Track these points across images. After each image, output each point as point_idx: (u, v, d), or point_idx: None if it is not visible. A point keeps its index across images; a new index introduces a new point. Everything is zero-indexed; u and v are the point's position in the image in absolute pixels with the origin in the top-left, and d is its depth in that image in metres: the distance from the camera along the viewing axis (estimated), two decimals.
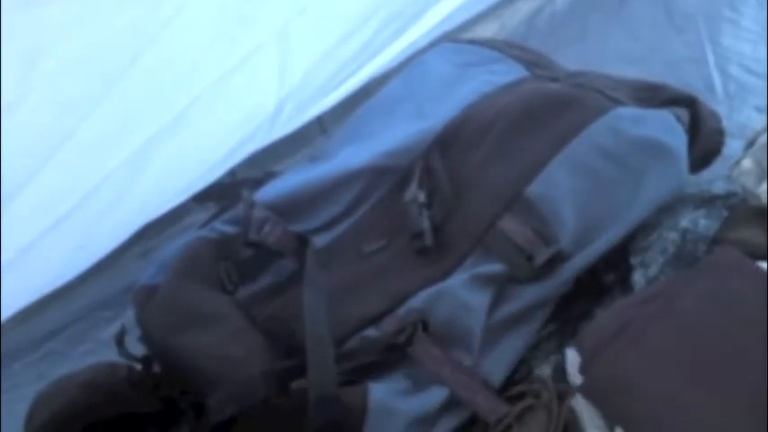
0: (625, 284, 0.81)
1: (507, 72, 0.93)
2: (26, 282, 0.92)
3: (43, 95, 0.74)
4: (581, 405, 0.70)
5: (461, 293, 0.76)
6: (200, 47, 0.84)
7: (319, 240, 0.86)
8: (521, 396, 0.74)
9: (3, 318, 0.90)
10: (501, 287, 0.77)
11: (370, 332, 0.77)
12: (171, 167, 0.93)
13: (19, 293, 0.93)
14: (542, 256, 0.76)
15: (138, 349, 0.81)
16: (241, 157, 1.02)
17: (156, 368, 0.79)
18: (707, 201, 0.86)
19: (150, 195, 0.95)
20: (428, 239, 0.81)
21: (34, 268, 0.89)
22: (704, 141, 0.86)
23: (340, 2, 0.96)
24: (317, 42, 0.98)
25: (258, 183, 0.94)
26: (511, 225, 0.79)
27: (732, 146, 0.89)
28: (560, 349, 0.77)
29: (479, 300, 0.75)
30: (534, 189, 0.80)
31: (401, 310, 0.78)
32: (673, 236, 0.83)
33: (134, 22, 0.76)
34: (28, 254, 0.86)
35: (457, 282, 0.77)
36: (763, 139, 0.84)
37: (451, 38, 1.11)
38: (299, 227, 0.87)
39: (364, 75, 1.11)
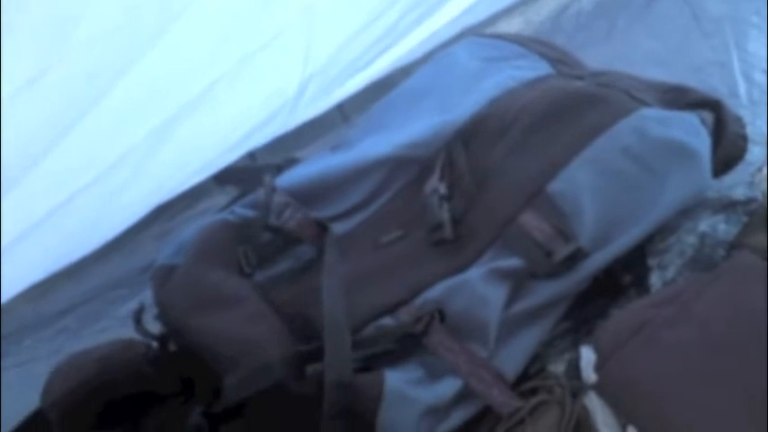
0: (642, 285, 0.82)
1: (532, 68, 0.93)
2: (42, 254, 0.92)
3: (72, 65, 0.74)
4: (594, 403, 0.71)
5: (479, 286, 0.76)
6: (227, 25, 0.84)
7: (338, 228, 0.86)
8: (534, 391, 0.74)
9: (18, 290, 0.91)
10: (519, 282, 0.77)
11: (387, 321, 0.77)
12: (191, 145, 0.94)
13: (32, 268, 0.93)
14: (561, 252, 0.77)
15: (153, 328, 0.81)
16: (261, 138, 1.02)
17: (173, 347, 0.80)
18: (727, 206, 0.87)
19: (168, 172, 0.96)
20: (447, 231, 0.81)
21: (51, 240, 0.89)
22: (727, 146, 0.86)
23: None
24: (343, 25, 0.98)
25: (279, 168, 0.95)
26: (531, 220, 0.79)
27: (754, 152, 0.89)
28: (574, 347, 0.78)
29: (497, 293, 0.76)
30: (556, 186, 0.80)
31: (418, 301, 0.78)
32: (691, 239, 0.84)
33: None
34: (45, 225, 0.86)
35: (475, 275, 0.77)
36: None
37: (477, 32, 1.11)
38: (318, 214, 0.87)
39: (386, 61, 1.11)
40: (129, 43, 0.78)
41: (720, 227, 0.85)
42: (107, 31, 0.75)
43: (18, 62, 0.70)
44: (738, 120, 0.88)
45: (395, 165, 0.88)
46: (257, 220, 0.86)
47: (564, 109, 0.84)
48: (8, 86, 0.71)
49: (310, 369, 0.71)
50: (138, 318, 0.79)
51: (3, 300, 0.90)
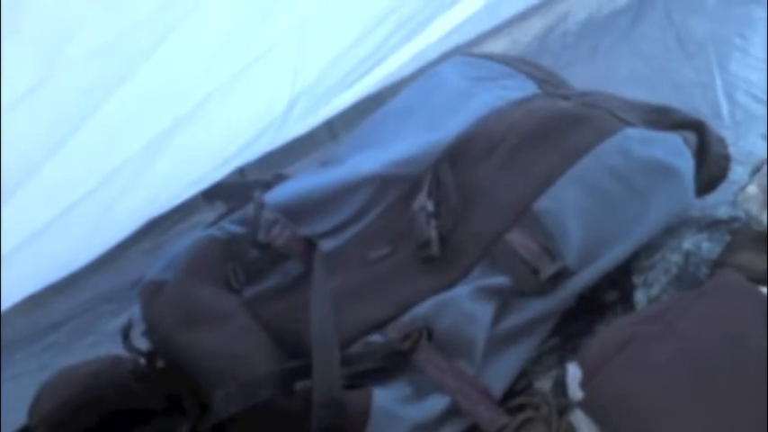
0: (627, 303, 0.83)
1: (519, 88, 0.94)
2: (35, 267, 0.92)
3: (66, 80, 0.74)
4: (580, 420, 0.71)
5: (466, 304, 0.77)
6: (219, 40, 0.85)
7: (327, 245, 0.86)
8: (520, 408, 0.75)
9: (14, 301, 0.90)
10: (505, 299, 0.78)
11: (375, 338, 0.78)
12: (183, 160, 0.94)
13: (27, 279, 0.93)
14: (548, 270, 0.77)
15: (141, 344, 0.81)
16: (251, 154, 1.03)
17: (161, 363, 0.80)
18: (710, 224, 0.88)
19: (161, 187, 0.96)
20: (435, 249, 0.82)
21: (44, 254, 0.89)
22: (710, 166, 0.87)
23: (357, 3, 0.97)
24: (332, 42, 0.99)
25: (268, 185, 0.95)
26: (518, 239, 0.80)
27: (737, 172, 0.91)
28: (561, 364, 0.78)
29: (484, 311, 0.76)
30: (542, 204, 0.81)
31: (406, 318, 0.78)
32: (676, 257, 0.84)
33: (157, 11, 0.76)
34: (39, 238, 0.86)
35: (462, 292, 0.78)
36: None
37: (464, 52, 1.12)
38: (307, 230, 0.87)
39: (373, 78, 1.12)
40: (126, 56, 0.78)
41: (704, 245, 0.86)
42: (103, 44, 0.75)
43: (14, 74, 0.70)
44: (721, 140, 0.90)
45: (383, 182, 0.88)
46: (246, 237, 0.86)
47: (550, 129, 0.85)
48: (3, 98, 0.71)
49: (299, 385, 0.71)
50: (126, 334, 0.79)
51: (2, 309, 0.90)
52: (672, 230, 0.86)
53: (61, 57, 0.73)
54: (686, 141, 0.86)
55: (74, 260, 0.97)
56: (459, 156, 0.87)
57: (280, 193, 0.92)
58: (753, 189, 0.84)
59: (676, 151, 0.85)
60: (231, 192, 0.99)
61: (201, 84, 0.88)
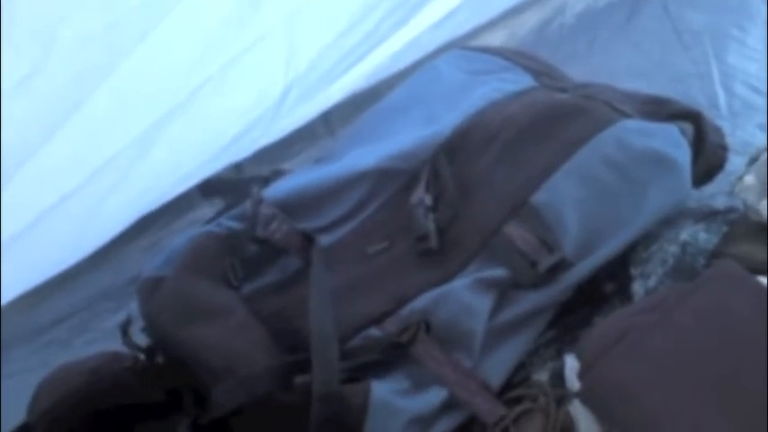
0: (624, 294, 0.83)
1: (516, 81, 0.94)
2: (30, 261, 0.92)
3: (58, 68, 0.74)
4: (578, 411, 0.71)
5: (464, 296, 0.77)
6: (211, 28, 0.85)
7: (325, 240, 0.86)
8: (519, 400, 0.75)
9: (8, 298, 0.90)
10: (503, 292, 0.78)
11: (373, 331, 0.78)
12: (177, 150, 0.94)
13: (23, 273, 0.93)
14: (546, 262, 0.77)
15: (140, 340, 0.81)
16: (246, 145, 1.03)
17: (160, 359, 0.80)
18: (707, 215, 0.88)
19: (155, 178, 0.96)
20: (433, 242, 0.82)
21: (38, 246, 0.89)
22: (707, 156, 0.87)
23: None
24: (324, 29, 0.99)
25: (266, 180, 0.95)
26: (516, 231, 0.80)
27: (734, 162, 0.90)
28: (559, 356, 0.78)
29: (482, 303, 0.76)
30: (540, 197, 0.81)
31: (404, 311, 0.78)
32: (673, 248, 0.84)
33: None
34: (32, 231, 0.86)
35: (460, 285, 0.78)
36: (765, 156, 0.85)
37: (461, 45, 1.12)
38: (305, 225, 0.87)
39: (367, 66, 1.12)
40: (117, 44, 0.78)
41: (701, 236, 0.86)
42: (93, 33, 0.75)
43: (11, 61, 0.70)
44: (718, 130, 0.90)
45: (381, 176, 0.88)
46: (244, 232, 0.87)
47: (547, 121, 0.85)
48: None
49: (298, 380, 0.71)
50: (124, 330, 0.79)
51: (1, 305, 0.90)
52: (669, 221, 0.86)
53: (51, 46, 0.73)
54: (683, 132, 0.86)
55: (69, 254, 0.97)
56: (456, 149, 0.87)
57: (277, 189, 0.92)
58: (750, 179, 0.84)
59: (673, 142, 0.84)
60: (229, 188, 0.99)
61: (194, 72, 0.88)
